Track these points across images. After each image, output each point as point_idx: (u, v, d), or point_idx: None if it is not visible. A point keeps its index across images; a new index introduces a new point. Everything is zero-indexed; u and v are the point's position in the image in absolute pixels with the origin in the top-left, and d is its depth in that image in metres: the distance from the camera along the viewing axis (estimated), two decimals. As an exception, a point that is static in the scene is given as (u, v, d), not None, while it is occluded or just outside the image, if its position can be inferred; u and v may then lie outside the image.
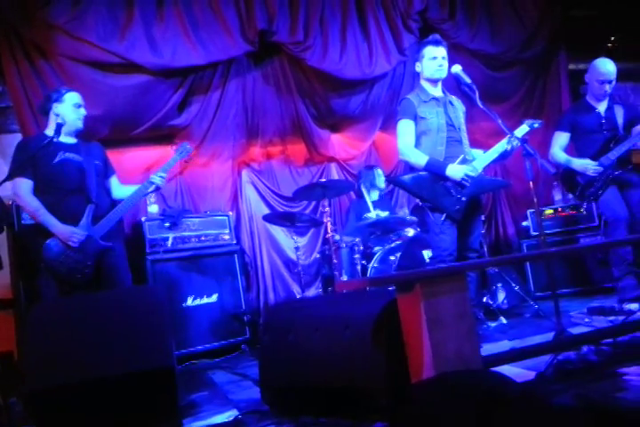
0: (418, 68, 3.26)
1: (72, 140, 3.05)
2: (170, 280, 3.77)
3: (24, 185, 2.84)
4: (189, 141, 4.39)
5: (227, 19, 4.22)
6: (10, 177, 2.78)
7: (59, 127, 2.87)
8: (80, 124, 3.06)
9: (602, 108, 3.84)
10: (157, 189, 3.12)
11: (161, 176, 3.09)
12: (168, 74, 4.12)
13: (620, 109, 3.84)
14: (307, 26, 4.47)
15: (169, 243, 3.87)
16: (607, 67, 3.77)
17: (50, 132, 2.96)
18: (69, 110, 3.00)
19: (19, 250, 3.41)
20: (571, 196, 4.03)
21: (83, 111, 3.07)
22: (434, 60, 3.17)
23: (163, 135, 4.44)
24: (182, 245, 3.93)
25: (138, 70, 4.01)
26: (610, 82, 3.76)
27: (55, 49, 3.79)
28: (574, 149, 3.95)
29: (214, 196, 4.60)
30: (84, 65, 3.88)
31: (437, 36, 3.30)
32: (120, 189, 3.21)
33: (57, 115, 2.98)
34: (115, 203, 3.13)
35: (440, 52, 3.18)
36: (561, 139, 3.91)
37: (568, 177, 3.86)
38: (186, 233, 3.97)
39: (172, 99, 4.22)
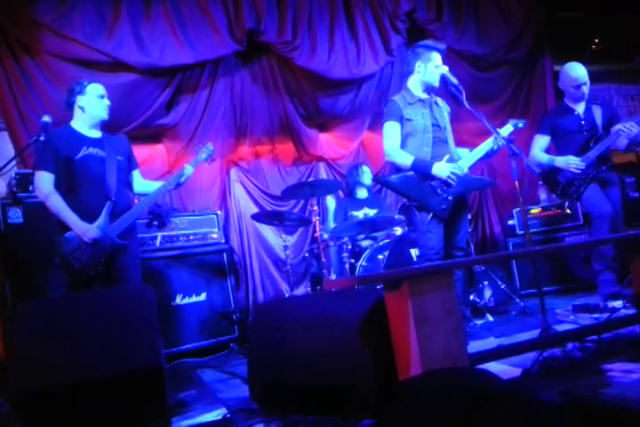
0: (419, 68, 3.22)
1: (97, 135, 3.01)
2: (158, 279, 3.75)
3: (46, 178, 2.81)
4: (178, 140, 4.42)
5: (215, 18, 4.21)
6: (33, 170, 2.80)
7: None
8: (105, 115, 3.02)
9: (580, 109, 3.92)
10: (178, 185, 3.18)
11: (190, 173, 3.18)
12: (156, 73, 4.11)
13: (599, 109, 3.91)
14: (295, 26, 4.48)
15: (157, 242, 3.86)
16: (578, 71, 3.86)
17: (75, 124, 2.95)
18: (93, 101, 2.96)
19: (5, 249, 3.37)
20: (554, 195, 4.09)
21: (107, 102, 3.03)
22: (439, 68, 3.18)
23: (150, 134, 4.42)
24: (171, 243, 3.92)
25: (125, 69, 3.99)
26: (585, 84, 3.84)
27: (41, 47, 3.76)
28: (555, 150, 4.02)
29: (203, 195, 4.59)
30: (71, 63, 3.85)
31: (442, 44, 3.32)
32: (142, 184, 3.21)
33: (81, 107, 2.95)
34: (133, 200, 3.13)
35: (445, 68, 3.19)
36: (541, 141, 3.97)
37: (549, 177, 3.91)
38: (174, 232, 3.96)
39: (160, 98, 4.21)
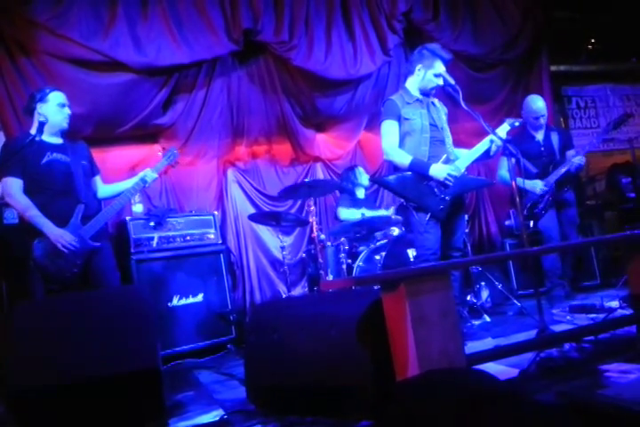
0: (419, 71, 3.23)
1: (58, 141, 3.02)
2: (155, 280, 3.75)
3: (14, 184, 2.81)
4: (174, 140, 4.41)
5: (211, 18, 4.20)
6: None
7: (41, 125, 2.84)
8: (65, 125, 3.03)
9: (540, 136, 4.31)
10: (142, 188, 3.14)
11: (153, 177, 3.12)
12: (152, 72, 4.09)
13: (556, 136, 4.32)
14: (292, 25, 4.47)
15: (154, 243, 3.85)
16: (537, 104, 4.24)
17: (34, 131, 2.91)
18: (54, 110, 2.97)
19: (1, 250, 3.36)
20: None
21: (67, 111, 3.03)
22: (437, 78, 3.18)
23: (147, 134, 4.41)
24: (167, 244, 3.91)
25: (122, 69, 3.97)
26: (543, 116, 4.24)
27: (37, 46, 3.75)
28: (518, 172, 4.13)
29: (199, 195, 4.58)
30: (67, 63, 3.83)
31: (448, 53, 3.30)
32: (104, 189, 3.20)
33: (41, 115, 2.94)
34: (101, 203, 3.12)
35: (443, 68, 3.20)
36: (506, 163, 4.11)
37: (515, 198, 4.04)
38: (171, 233, 3.95)
39: (157, 97, 4.19)
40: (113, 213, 3.05)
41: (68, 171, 2.93)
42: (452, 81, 3.12)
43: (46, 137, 2.94)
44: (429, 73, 3.19)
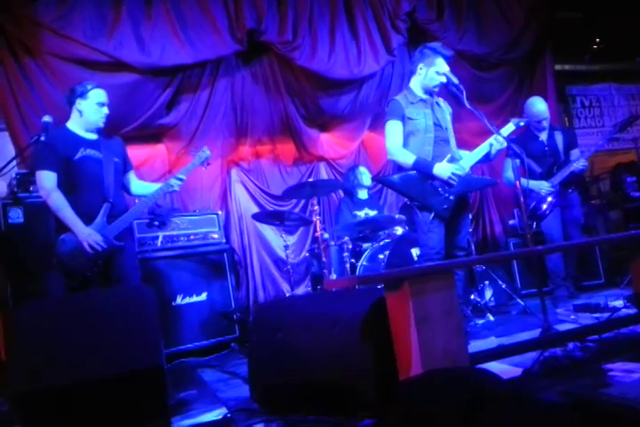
0: (421, 70, 3.22)
1: (93, 137, 3.01)
2: (159, 279, 3.76)
3: (49, 178, 2.80)
4: (178, 140, 4.42)
5: (215, 18, 4.21)
6: (35, 170, 2.79)
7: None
8: (101, 124, 3.01)
9: (544, 136, 4.28)
10: (173, 191, 3.14)
11: (180, 179, 3.10)
12: (156, 73, 4.11)
13: (560, 136, 4.28)
14: (295, 25, 4.47)
15: (158, 242, 3.86)
16: (538, 107, 4.20)
17: (72, 126, 2.95)
18: (92, 108, 2.95)
19: (5, 250, 3.37)
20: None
21: (105, 110, 3.01)
22: (440, 76, 3.17)
23: (151, 134, 4.43)
24: (171, 243, 3.91)
25: (126, 69, 3.99)
26: (545, 119, 4.20)
27: (42, 47, 3.76)
28: (523, 173, 4.17)
29: (203, 195, 4.59)
30: (72, 63, 3.85)
31: (448, 50, 3.29)
32: (138, 186, 3.21)
33: (79, 111, 2.94)
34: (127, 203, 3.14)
35: (447, 68, 3.19)
36: (512, 164, 4.16)
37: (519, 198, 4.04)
38: (175, 232, 3.96)
39: (161, 98, 4.21)
40: (138, 214, 3.05)
41: (99, 168, 2.92)
42: (455, 80, 3.12)
43: (82, 132, 2.95)
44: (431, 71, 3.18)
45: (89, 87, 2.98)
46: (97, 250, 2.77)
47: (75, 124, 2.97)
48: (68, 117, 3.04)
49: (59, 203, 2.78)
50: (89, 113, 2.95)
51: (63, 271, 2.78)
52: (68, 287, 2.81)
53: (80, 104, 2.94)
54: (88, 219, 2.81)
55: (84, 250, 2.76)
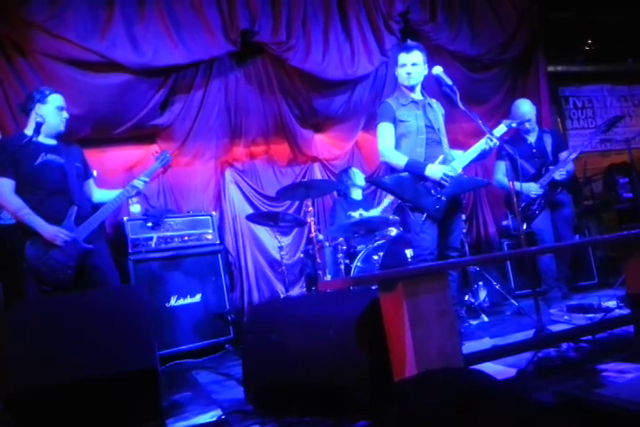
0: (396, 72, 3.30)
1: (52, 142, 3.01)
2: (153, 280, 3.74)
3: (6, 184, 2.80)
4: (172, 141, 4.41)
5: (209, 18, 4.20)
6: None
7: (38, 126, 2.84)
8: (62, 128, 3.02)
9: (532, 138, 4.34)
10: (138, 193, 3.14)
11: (144, 181, 3.11)
12: (150, 73, 4.09)
13: (549, 138, 4.34)
14: (289, 26, 4.47)
15: (152, 243, 3.84)
16: (523, 108, 4.27)
17: (29, 131, 2.92)
18: (52, 113, 2.96)
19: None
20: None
21: (65, 114, 3.02)
22: (403, 68, 3.21)
23: (144, 135, 4.41)
24: (165, 244, 3.90)
25: (119, 69, 3.97)
26: (529, 121, 4.22)
27: (34, 47, 3.74)
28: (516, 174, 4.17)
29: (197, 195, 4.58)
30: (64, 64, 3.83)
31: (409, 43, 3.32)
32: (98, 193, 3.21)
33: (39, 115, 2.92)
34: (95, 205, 3.12)
35: (411, 58, 3.19)
36: (502, 167, 4.28)
37: (511, 200, 4.03)
38: (169, 233, 3.94)
39: (154, 98, 4.19)
40: (106, 216, 3.04)
41: (63, 172, 2.92)
42: (448, 81, 3.12)
43: (41, 138, 2.93)
44: (397, 68, 3.25)
45: (47, 92, 2.98)
46: (69, 243, 2.76)
47: (32, 130, 2.91)
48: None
49: (17, 207, 2.77)
50: (50, 117, 2.94)
51: (34, 276, 2.77)
52: (41, 291, 2.78)
53: (40, 109, 2.93)
54: (55, 222, 2.81)
55: (53, 253, 2.76)
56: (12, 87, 3.77)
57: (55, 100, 2.98)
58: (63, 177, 2.91)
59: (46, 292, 2.77)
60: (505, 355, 2.36)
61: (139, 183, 3.08)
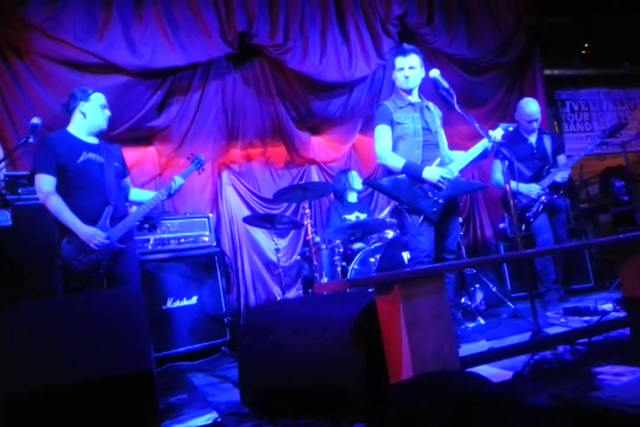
0: (394, 75, 3.30)
1: (95, 141, 3.01)
2: (149, 282, 3.73)
3: (47, 182, 2.80)
4: (169, 143, 4.41)
5: (206, 20, 4.21)
6: (33, 173, 2.79)
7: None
8: (105, 126, 3.03)
9: (533, 139, 4.29)
10: (170, 195, 3.18)
11: (180, 183, 3.17)
12: (147, 75, 4.09)
13: (549, 139, 4.32)
14: (287, 29, 4.48)
15: (149, 245, 3.84)
16: (531, 107, 4.21)
17: (73, 130, 2.94)
18: (96, 111, 2.97)
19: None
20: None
21: (108, 112, 3.04)
22: (401, 72, 3.22)
23: (141, 137, 4.41)
24: (162, 247, 3.89)
25: (116, 71, 3.97)
26: (536, 120, 4.21)
27: (31, 48, 3.74)
28: (511, 175, 4.14)
29: (194, 197, 4.58)
30: (61, 65, 3.83)
31: (406, 46, 3.33)
32: (135, 192, 3.24)
33: (83, 114, 2.94)
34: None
35: (408, 61, 3.20)
36: (500, 166, 4.14)
37: (507, 201, 4.04)
38: (165, 235, 3.94)
39: (152, 100, 4.20)
40: (140, 217, 3.06)
41: (101, 171, 2.93)
42: (446, 84, 3.12)
43: (83, 136, 2.95)
44: (394, 72, 3.27)
45: (90, 91, 3.00)
46: (103, 246, 2.77)
47: (76, 128, 2.96)
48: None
49: (57, 206, 2.78)
50: (93, 115, 2.97)
51: (66, 273, 2.79)
52: (71, 287, 2.81)
53: (83, 106, 2.95)
54: (91, 222, 2.81)
55: (87, 253, 2.77)
56: (8, 89, 3.77)
57: (98, 98, 3.00)
58: (102, 177, 2.92)
59: (76, 289, 2.80)
60: (501, 358, 2.36)
61: (174, 186, 3.13)
